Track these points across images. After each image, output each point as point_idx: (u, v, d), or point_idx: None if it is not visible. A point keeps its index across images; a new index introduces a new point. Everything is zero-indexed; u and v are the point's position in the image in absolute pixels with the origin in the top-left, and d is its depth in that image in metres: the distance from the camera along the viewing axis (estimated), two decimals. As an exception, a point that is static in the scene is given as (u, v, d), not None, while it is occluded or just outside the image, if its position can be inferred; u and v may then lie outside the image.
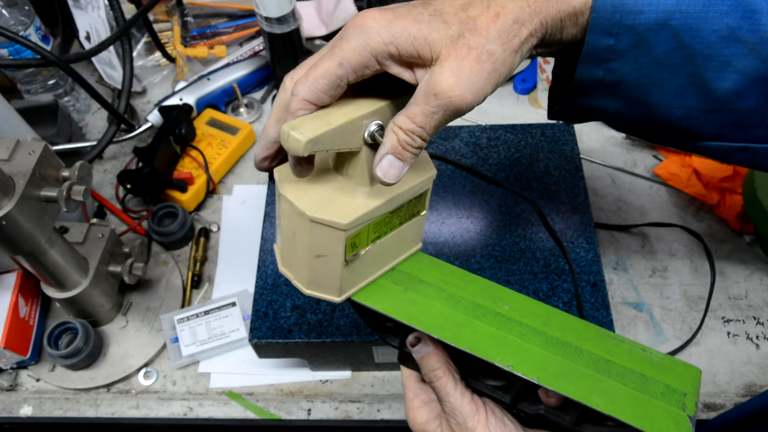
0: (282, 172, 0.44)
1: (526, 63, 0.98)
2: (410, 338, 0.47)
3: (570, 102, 0.47)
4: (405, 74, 0.41)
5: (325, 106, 0.41)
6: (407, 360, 0.49)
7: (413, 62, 0.40)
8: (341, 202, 0.42)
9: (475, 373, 0.47)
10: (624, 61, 0.43)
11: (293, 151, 0.38)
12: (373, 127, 0.41)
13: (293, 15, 0.86)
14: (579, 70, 0.44)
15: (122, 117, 0.84)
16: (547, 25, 0.41)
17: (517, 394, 0.45)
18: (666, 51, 0.43)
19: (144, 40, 1.01)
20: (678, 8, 0.41)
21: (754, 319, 0.74)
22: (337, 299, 0.45)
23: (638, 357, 0.44)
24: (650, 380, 0.42)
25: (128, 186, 0.81)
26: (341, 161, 0.44)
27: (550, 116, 0.51)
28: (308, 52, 0.93)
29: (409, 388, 0.49)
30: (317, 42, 0.95)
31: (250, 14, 1.01)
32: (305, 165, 0.43)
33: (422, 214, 0.48)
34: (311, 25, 0.95)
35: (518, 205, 0.70)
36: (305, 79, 0.40)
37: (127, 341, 0.74)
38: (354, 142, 0.41)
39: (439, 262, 0.51)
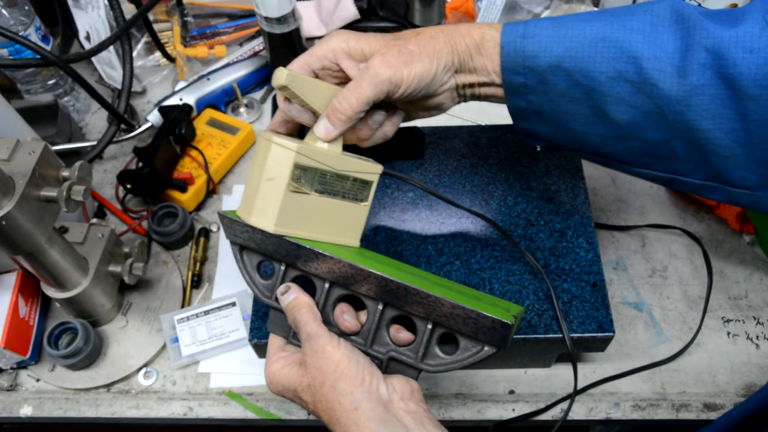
0: (265, 133, 0.54)
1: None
2: (281, 288, 0.53)
3: (519, 127, 0.59)
4: (352, 70, 0.53)
5: None
6: (276, 326, 0.55)
7: (359, 58, 0.53)
8: (301, 143, 0.52)
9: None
10: (537, 94, 0.54)
11: (275, 79, 0.50)
12: None
13: (293, 15, 0.86)
14: (508, 100, 0.56)
15: (122, 117, 0.84)
16: (459, 51, 0.54)
17: (373, 337, 0.51)
18: (567, 87, 0.53)
19: (144, 40, 1.01)
20: (568, 54, 0.51)
21: (754, 319, 0.74)
22: (271, 228, 0.51)
23: (474, 291, 0.56)
24: (482, 298, 0.53)
25: (128, 186, 0.81)
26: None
27: (530, 143, 0.62)
28: (308, 52, 0.93)
29: (271, 353, 0.53)
30: (317, 42, 0.95)
31: (250, 14, 1.01)
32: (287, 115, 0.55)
33: (364, 204, 0.57)
34: (311, 25, 0.95)
35: (518, 206, 0.70)
36: (292, 62, 0.55)
37: (127, 341, 0.74)
38: (323, 106, 0.53)
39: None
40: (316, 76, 0.55)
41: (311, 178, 0.52)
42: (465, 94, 0.57)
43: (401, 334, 0.51)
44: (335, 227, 0.55)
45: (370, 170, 0.56)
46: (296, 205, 0.52)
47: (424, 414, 0.48)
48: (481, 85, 0.56)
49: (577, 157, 0.61)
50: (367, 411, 0.46)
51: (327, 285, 0.52)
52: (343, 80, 0.55)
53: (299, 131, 0.58)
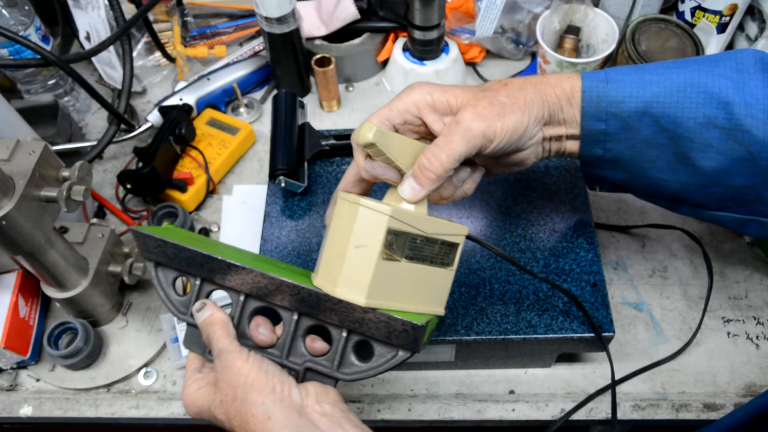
0: (346, 195, 0.50)
1: (525, 63, 0.98)
2: (196, 305, 0.51)
3: (589, 173, 0.58)
4: (436, 124, 0.50)
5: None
6: (191, 343, 0.53)
7: (444, 112, 0.51)
8: (390, 205, 0.48)
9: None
10: (617, 142, 0.52)
11: (361, 136, 0.47)
12: None
13: (293, 15, 0.86)
14: (582, 148, 0.54)
15: (122, 117, 0.84)
16: (549, 102, 0.52)
17: (289, 348, 0.50)
18: (651, 134, 0.51)
19: (144, 40, 1.01)
20: (655, 99, 0.50)
21: (754, 319, 0.74)
22: (362, 301, 0.47)
23: None
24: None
25: (128, 186, 0.81)
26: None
27: (589, 187, 0.62)
28: (308, 53, 0.93)
29: (187, 376, 0.52)
30: (317, 42, 0.95)
31: (250, 14, 1.01)
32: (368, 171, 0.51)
33: (450, 269, 0.53)
34: (311, 25, 0.95)
35: (518, 206, 0.70)
36: (370, 117, 0.51)
37: (127, 341, 0.74)
38: (408, 163, 0.50)
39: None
40: (396, 131, 0.51)
41: (402, 244, 0.48)
42: (550, 148, 0.55)
43: (316, 343, 0.50)
44: (422, 295, 0.52)
45: (457, 232, 0.53)
46: (387, 274, 0.48)
47: (341, 415, 0.47)
48: (569, 137, 0.54)
49: (647, 201, 0.60)
50: (280, 419, 0.45)
51: (242, 298, 0.51)
52: (425, 135, 0.53)
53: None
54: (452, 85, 0.52)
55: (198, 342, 0.52)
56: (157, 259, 0.53)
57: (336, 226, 0.49)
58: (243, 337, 0.51)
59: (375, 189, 0.70)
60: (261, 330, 0.50)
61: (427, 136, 0.52)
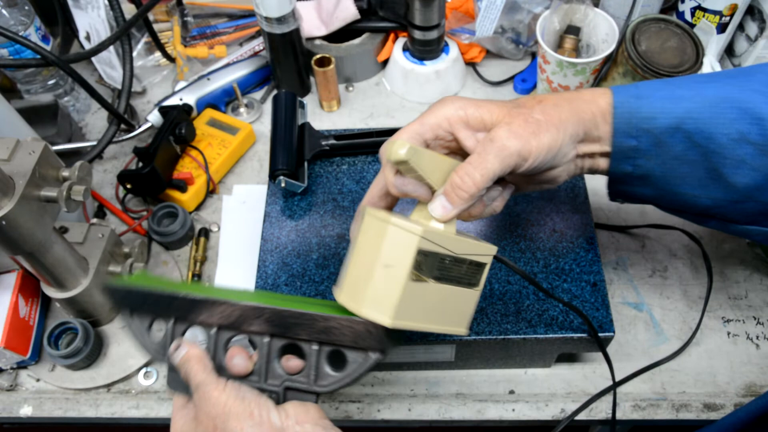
0: (375, 212, 0.49)
1: (525, 63, 0.98)
2: (172, 346, 0.50)
3: (615, 189, 0.57)
4: (469, 141, 0.49)
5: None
6: (176, 384, 0.52)
7: (478, 128, 0.49)
8: (419, 224, 0.46)
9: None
10: (648, 158, 0.51)
11: (393, 153, 0.45)
12: None
13: (293, 15, 0.86)
14: (611, 165, 0.53)
15: (122, 117, 0.84)
16: (585, 120, 0.50)
17: (266, 372, 0.49)
18: (683, 150, 0.50)
19: (144, 40, 1.01)
20: (688, 115, 0.49)
21: (754, 319, 0.74)
22: (389, 322, 0.46)
23: None
24: None
25: (128, 186, 0.81)
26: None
27: (611, 199, 0.60)
28: (308, 53, 0.93)
29: (174, 413, 0.51)
30: (317, 42, 0.95)
31: (250, 14, 1.01)
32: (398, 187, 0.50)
33: (476, 289, 0.53)
34: (311, 25, 0.95)
35: (518, 206, 0.70)
36: (400, 132, 0.50)
37: (127, 341, 0.74)
38: (439, 181, 0.49)
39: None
40: (426, 146, 0.50)
41: (431, 264, 0.47)
42: (583, 165, 0.54)
43: (291, 362, 0.49)
44: (447, 315, 0.51)
45: (485, 252, 0.52)
46: (414, 295, 0.47)
47: None
48: (601, 155, 0.53)
49: (674, 215, 0.59)
50: None
51: (213, 331, 0.50)
52: (455, 151, 0.52)
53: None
54: (485, 100, 0.51)
55: (180, 382, 0.52)
56: (130, 307, 0.53)
57: (363, 243, 0.48)
58: (222, 370, 0.51)
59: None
60: (235, 361, 0.49)
61: (458, 151, 0.51)
